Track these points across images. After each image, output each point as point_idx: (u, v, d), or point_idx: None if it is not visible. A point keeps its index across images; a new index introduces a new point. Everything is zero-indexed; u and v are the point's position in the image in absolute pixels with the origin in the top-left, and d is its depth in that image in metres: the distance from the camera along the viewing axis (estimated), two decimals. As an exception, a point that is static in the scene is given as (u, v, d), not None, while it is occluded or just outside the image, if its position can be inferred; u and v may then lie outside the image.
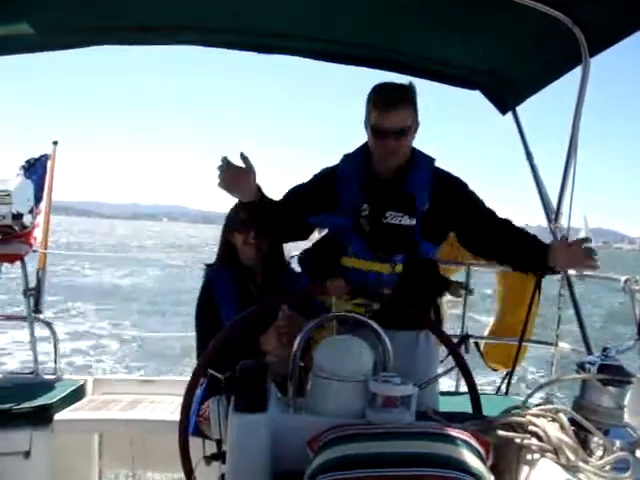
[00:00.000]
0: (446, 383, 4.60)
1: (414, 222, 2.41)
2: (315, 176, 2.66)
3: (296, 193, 2.62)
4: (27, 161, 4.10)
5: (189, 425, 2.30)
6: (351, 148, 2.64)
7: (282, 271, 2.87)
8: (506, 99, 3.70)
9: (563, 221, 3.42)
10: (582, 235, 3.15)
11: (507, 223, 2.62)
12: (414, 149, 2.55)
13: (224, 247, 2.90)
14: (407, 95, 2.44)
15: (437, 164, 2.60)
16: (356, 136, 2.63)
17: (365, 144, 2.57)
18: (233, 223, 2.84)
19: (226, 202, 2.77)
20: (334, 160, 2.67)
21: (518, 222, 2.65)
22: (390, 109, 2.37)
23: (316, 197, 2.56)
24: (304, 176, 2.70)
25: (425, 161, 2.58)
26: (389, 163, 2.50)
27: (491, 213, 2.64)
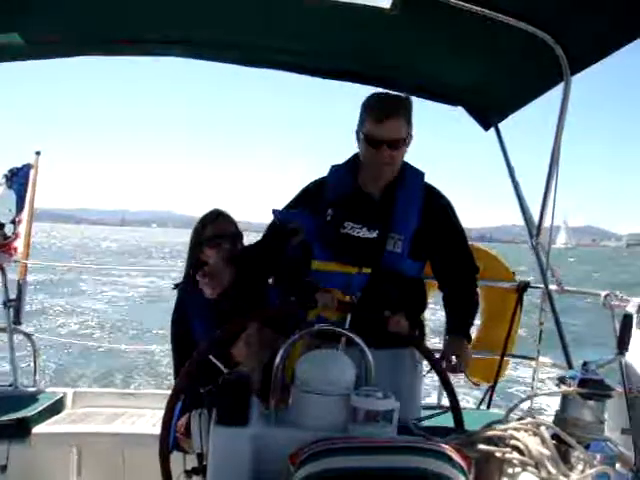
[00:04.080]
0: (428, 397, 4.60)
1: (374, 235, 2.39)
2: (302, 190, 2.63)
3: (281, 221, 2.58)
4: (10, 170, 4.08)
5: (170, 440, 2.28)
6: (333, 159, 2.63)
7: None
8: (488, 116, 3.73)
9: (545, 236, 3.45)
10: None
11: (460, 279, 2.67)
12: (404, 162, 2.55)
13: (193, 264, 2.81)
14: (403, 106, 2.44)
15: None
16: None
17: (354, 156, 2.56)
18: (201, 239, 2.78)
19: (212, 206, 2.71)
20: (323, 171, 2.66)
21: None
22: (386, 119, 2.36)
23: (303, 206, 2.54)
24: (297, 185, 2.68)
25: (415, 176, 2.57)
26: (382, 175, 2.48)
27: (459, 254, 2.66)
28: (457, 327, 2.61)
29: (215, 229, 2.76)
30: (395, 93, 2.51)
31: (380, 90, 2.77)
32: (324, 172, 2.65)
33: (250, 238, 2.83)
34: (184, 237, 3.03)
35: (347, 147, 2.59)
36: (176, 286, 2.83)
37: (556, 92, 3.13)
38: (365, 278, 2.43)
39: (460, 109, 3.76)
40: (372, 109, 2.42)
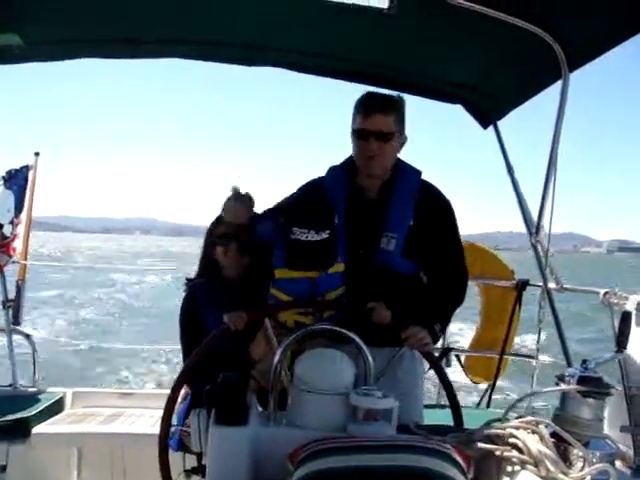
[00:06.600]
0: (428, 396, 4.60)
1: (323, 237, 2.21)
2: (300, 189, 2.60)
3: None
4: (8, 172, 4.07)
5: (168, 438, 2.28)
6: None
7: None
8: (487, 113, 3.72)
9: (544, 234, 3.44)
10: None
11: (444, 277, 2.56)
12: (399, 161, 2.54)
13: (205, 262, 2.84)
14: (392, 104, 2.46)
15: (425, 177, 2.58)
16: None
17: (350, 157, 2.56)
18: (213, 237, 2.79)
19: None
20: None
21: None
22: (374, 112, 2.39)
23: None
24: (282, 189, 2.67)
25: (411, 174, 2.56)
26: (371, 170, 2.47)
27: (450, 254, 2.59)
28: (426, 319, 2.43)
29: (225, 227, 2.72)
30: (387, 92, 2.51)
31: (378, 90, 2.76)
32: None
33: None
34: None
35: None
36: (188, 281, 2.83)
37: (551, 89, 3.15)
38: (335, 279, 2.36)
39: (459, 107, 3.76)
40: (361, 105, 2.46)
